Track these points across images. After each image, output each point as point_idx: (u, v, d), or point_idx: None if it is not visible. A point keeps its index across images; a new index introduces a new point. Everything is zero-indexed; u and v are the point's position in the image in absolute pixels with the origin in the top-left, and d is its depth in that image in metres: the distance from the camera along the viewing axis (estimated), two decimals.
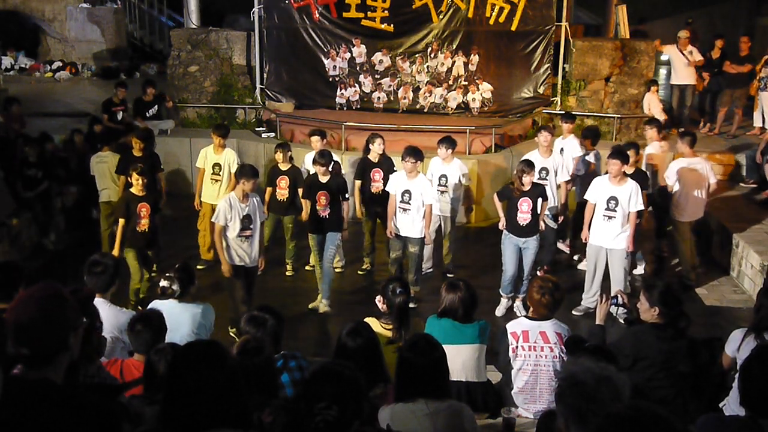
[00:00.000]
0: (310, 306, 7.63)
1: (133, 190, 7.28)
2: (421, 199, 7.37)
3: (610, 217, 7.22)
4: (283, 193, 8.18)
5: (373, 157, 8.24)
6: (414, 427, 3.19)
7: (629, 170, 7.55)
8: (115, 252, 7.09)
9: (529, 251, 7.42)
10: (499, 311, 7.46)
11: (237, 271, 6.74)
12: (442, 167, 8.13)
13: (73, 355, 2.45)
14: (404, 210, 7.45)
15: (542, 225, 7.54)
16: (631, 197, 7.14)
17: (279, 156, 8.23)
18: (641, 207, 7.22)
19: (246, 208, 6.68)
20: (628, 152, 7.64)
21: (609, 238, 7.27)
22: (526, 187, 7.27)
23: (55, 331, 2.30)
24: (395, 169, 8.35)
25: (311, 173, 7.81)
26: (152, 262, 7.64)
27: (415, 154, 7.38)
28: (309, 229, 7.59)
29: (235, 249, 6.70)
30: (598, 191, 7.35)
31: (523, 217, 7.30)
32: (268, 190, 8.27)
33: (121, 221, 7.24)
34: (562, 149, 8.84)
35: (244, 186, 6.62)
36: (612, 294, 4.93)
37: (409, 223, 7.45)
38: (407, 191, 7.42)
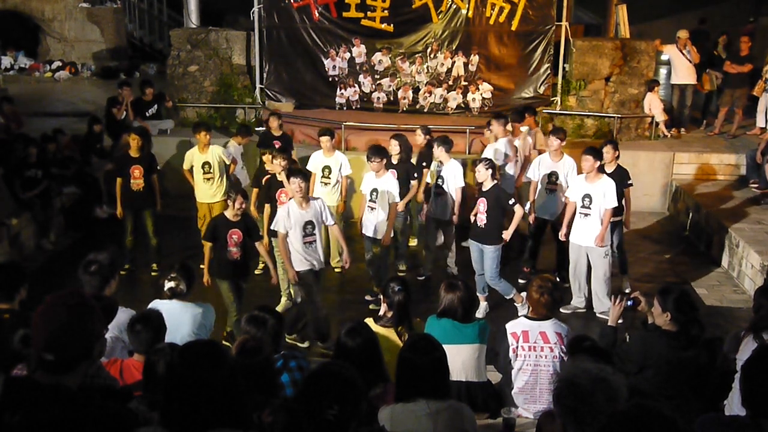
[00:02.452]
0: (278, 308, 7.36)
1: (227, 213, 6.64)
2: (387, 197, 7.37)
3: (585, 215, 7.24)
4: None
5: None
6: (414, 427, 3.19)
7: (610, 168, 7.57)
8: (205, 279, 6.68)
9: (487, 257, 7.26)
10: (479, 313, 7.28)
11: (306, 276, 6.64)
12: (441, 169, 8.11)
13: (95, 363, 2.45)
14: (371, 209, 7.50)
15: (505, 235, 7.26)
16: (606, 194, 7.11)
17: (267, 157, 8.21)
18: (614, 203, 7.15)
19: (307, 214, 6.55)
20: (604, 149, 7.65)
21: (586, 235, 7.27)
22: (484, 186, 7.22)
23: (82, 340, 2.31)
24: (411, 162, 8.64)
25: (268, 168, 7.85)
26: (242, 295, 6.89)
27: (380, 153, 7.44)
28: (270, 234, 7.39)
29: (303, 255, 6.60)
30: (575, 190, 7.38)
31: (480, 218, 7.25)
32: (255, 190, 8.28)
33: (207, 245, 6.68)
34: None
35: (291, 187, 6.53)
36: (631, 296, 4.85)
37: (373, 222, 7.47)
38: (374, 190, 7.47)
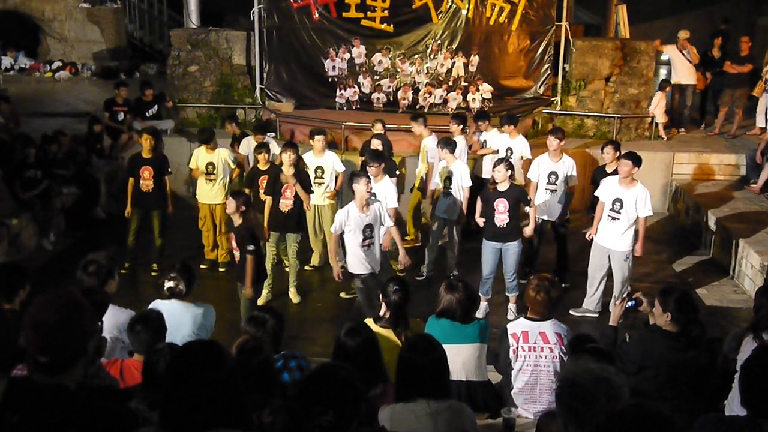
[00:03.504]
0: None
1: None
2: (384, 202, 7.33)
3: (614, 218, 7.21)
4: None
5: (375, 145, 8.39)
6: (415, 427, 3.19)
7: (610, 168, 7.58)
8: (247, 292, 6.63)
9: (510, 254, 7.34)
10: (479, 313, 7.29)
11: (367, 280, 6.65)
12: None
13: (94, 362, 2.44)
14: None
15: (527, 231, 7.47)
16: (638, 201, 7.08)
17: (262, 156, 8.20)
18: (650, 212, 7.16)
19: (367, 218, 6.58)
20: (605, 150, 7.62)
21: (612, 239, 7.25)
22: (501, 186, 7.24)
23: (74, 339, 2.29)
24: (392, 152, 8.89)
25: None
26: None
27: (378, 158, 7.44)
28: (271, 227, 7.67)
29: (361, 258, 6.62)
30: (606, 191, 7.34)
31: (501, 218, 7.25)
32: (247, 191, 8.28)
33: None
34: (509, 148, 8.95)
35: (359, 187, 6.52)
36: (633, 296, 4.84)
37: None
38: (372, 194, 7.43)
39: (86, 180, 10.00)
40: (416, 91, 11.73)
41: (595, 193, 7.62)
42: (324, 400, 2.60)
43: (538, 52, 11.56)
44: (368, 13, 11.49)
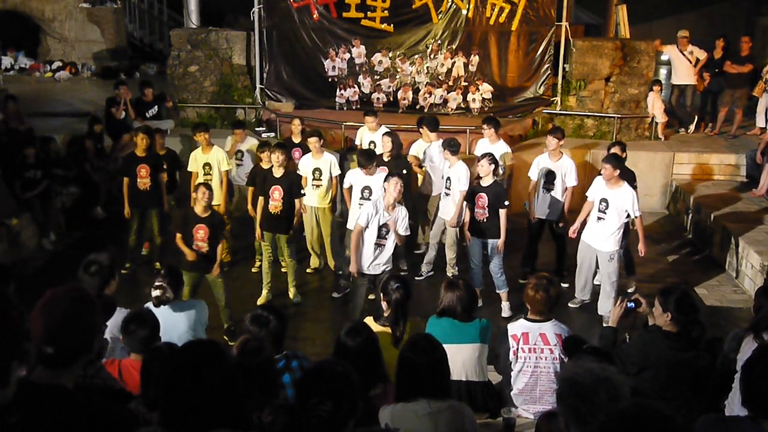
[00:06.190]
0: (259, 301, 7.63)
1: (196, 208, 6.90)
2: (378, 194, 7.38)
3: (600, 219, 7.22)
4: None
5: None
6: (415, 427, 3.19)
7: None
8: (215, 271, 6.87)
9: (491, 250, 7.41)
10: None
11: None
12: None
13: (95, 362, 2.44)
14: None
15: (499, 245, 7.37)
16: (626, 203, 7.06)
17: (265, 155, 8.22)
18: (638, 213, 7.12)
19: (389, 217, 6.60)
20: (612, 150, 7.61)
21: (598, 238, 7.26)
22: (484, 181, 7.28)
23: (82, 333, 2.30)
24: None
25: (265, 167, 7.97)
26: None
27: (371, 157, 7.63)
28: (262, 227, 7.72)
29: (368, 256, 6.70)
30: (594, 190, 7.36)
31: (479, 213, 7.32)
32: (251, 189, 8.33)
33: (179, 236, 6.91)
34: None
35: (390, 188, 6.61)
36: (632, 297, 4.83)
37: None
38: (367, 187, 7.63)
39: (86, 180, 9.99)
40: (416, 91, 11.73)
41: (587, 193, 7.60)
42: (322, 392, 2.61)
43: (538, 52, 11.56)
44: (368, 13, 11.49)
